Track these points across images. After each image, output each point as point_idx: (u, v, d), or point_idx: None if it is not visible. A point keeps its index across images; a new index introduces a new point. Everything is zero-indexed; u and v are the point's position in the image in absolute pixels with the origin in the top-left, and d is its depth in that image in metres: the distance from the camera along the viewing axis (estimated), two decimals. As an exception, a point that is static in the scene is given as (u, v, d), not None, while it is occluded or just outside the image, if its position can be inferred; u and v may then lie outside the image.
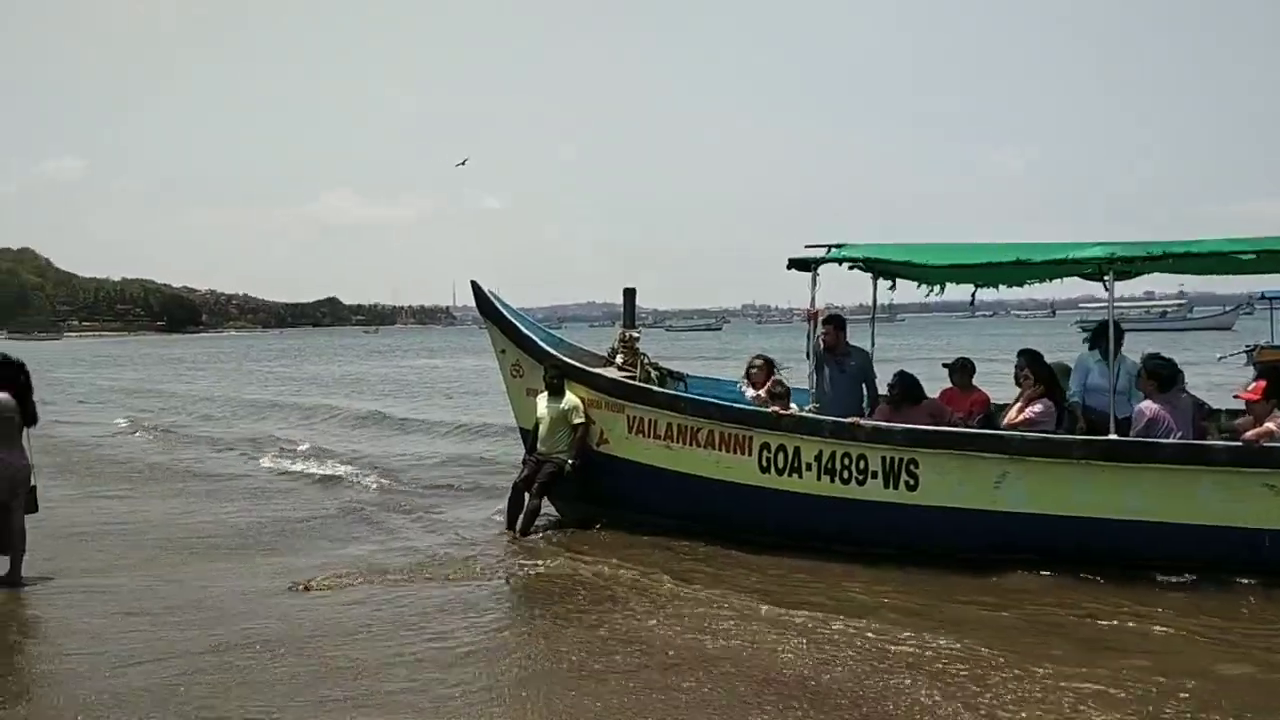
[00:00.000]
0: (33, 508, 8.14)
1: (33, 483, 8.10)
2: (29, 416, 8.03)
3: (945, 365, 9.62)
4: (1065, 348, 14.09)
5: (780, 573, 8.15)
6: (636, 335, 10.61)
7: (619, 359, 10.38)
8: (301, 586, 7.94)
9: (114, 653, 6.36)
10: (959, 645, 6.31)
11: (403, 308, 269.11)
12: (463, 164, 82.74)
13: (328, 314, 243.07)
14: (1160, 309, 75.19)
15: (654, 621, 6.94)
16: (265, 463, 15.61)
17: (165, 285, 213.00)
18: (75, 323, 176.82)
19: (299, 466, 15.02)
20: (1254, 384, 7.87)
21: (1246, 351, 28.47)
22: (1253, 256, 7.77)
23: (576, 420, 9.67)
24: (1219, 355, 30.01)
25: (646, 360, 10.42)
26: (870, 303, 10.34)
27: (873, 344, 9.90)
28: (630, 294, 11.06)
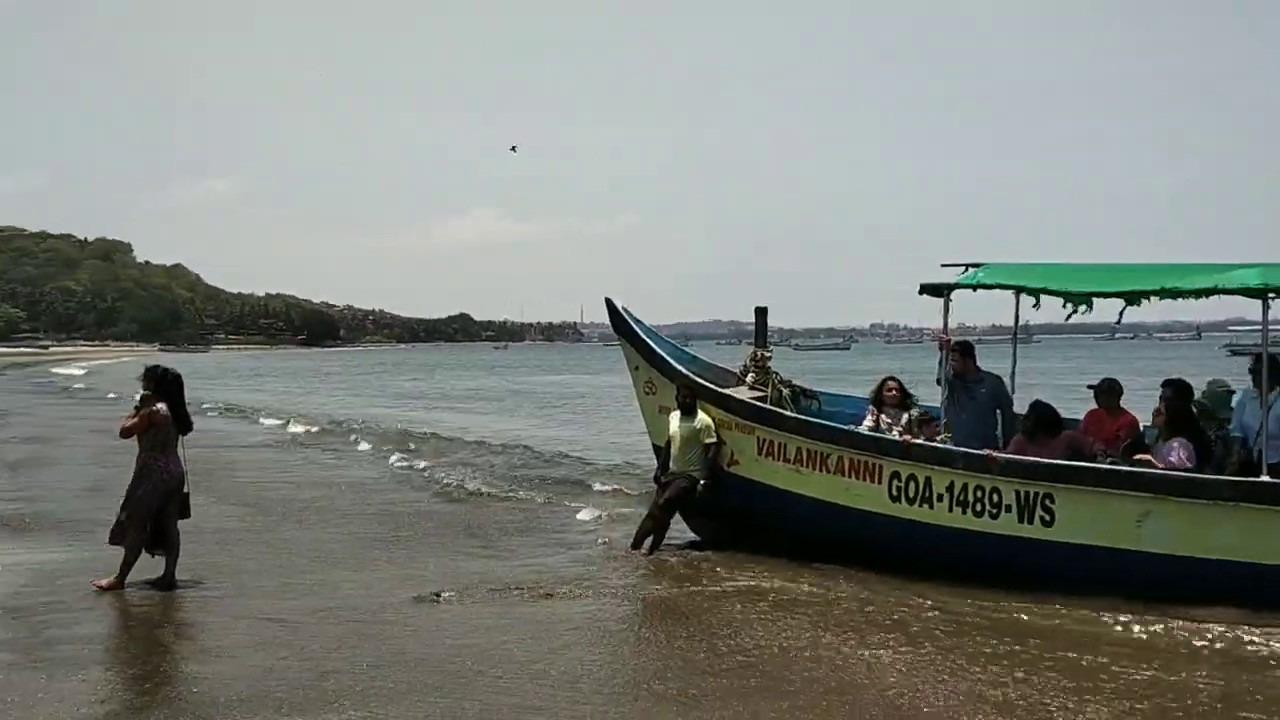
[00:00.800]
0: (185, 513, 8.54)
1: (186, 489, 8.50)
2: (183, 424, 8.45)
3: (1090, 387, 9.34)
4: (1210, 372, 13.50)
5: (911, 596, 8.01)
6: (768, 355, 10.61)
7: (750, 378, 10.38)
8: (430, 598, 8.12)
9: (254, 661, 6.58)
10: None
11: (530, 324, 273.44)
12: (514, 150, 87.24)
13: (459, 330, 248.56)
14: None
15: (788, 643, 6.92)
16: (392, 465, 16.09)
17: (305, 301, 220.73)
18: (222, 336, 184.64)
19: (424, 474, 15.47)
20: None
21: None
22: None
23: (708, 440, 9.69)
24: None
25: (778, 379, 10.41)
26: (1003, 323, 10.12)
27: (1014, 366, 9.68)
28: (762, 313, 11.06)
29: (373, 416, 29.51)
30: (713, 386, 10.03)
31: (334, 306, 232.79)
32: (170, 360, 9.48)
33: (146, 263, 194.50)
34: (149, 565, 8.30)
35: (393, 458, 17.71)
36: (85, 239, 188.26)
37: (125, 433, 8.33)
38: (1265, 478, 7.48)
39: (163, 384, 8.42)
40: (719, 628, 7.38)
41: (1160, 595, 7.48)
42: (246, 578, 8.81)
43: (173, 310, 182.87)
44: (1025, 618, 7.54)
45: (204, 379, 50.20)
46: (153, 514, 8.15)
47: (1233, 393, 8.69)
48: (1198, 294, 8.55)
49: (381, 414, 30.82)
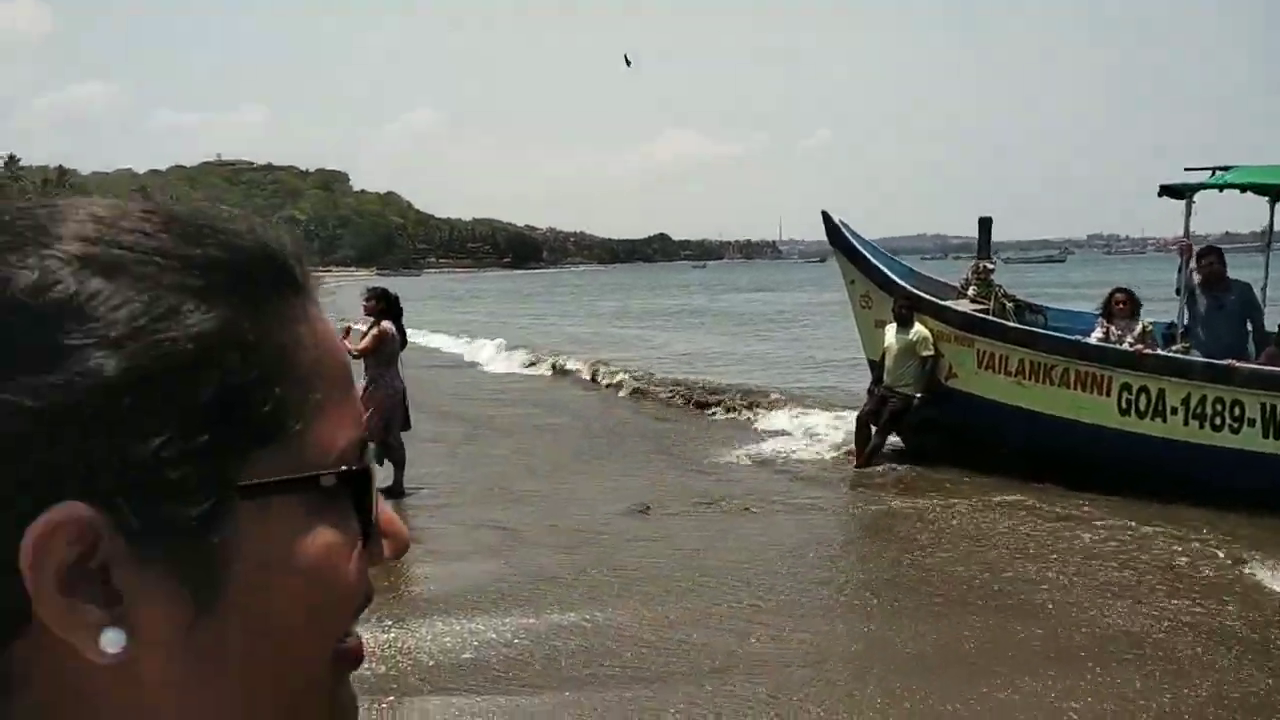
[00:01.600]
0: (407, 425, 8.99)
1: (407, 402, 8.97)
2: (403, 340, 8.91)
3: None
4: None
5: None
6: (991, 266, 10.27)
7: (972, 290, 10.09)
8: (640, 509, 8.29)
9: (483, 566, 6.89)
10: None
11: (729, 243, 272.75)
12: (629, 64, 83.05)
13: (657, 250, 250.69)
14: None
15: (1004, 565, 6.76)
16: (596, 382, 16.48)
17: (510, 224, 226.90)
18: (433, 260, 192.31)
19: (624, 391, 15.66)
20: None
21: None
22: None
23: (925, 352, 9.51)
24: None
25: (1001, 292, 10.07)
26: (1237, 230, 9.53)
27: (1266, 276, 9.03)
28: (985, 223, 10.65)
29: (574, 335, 30.17)
30: (931, 298, 9.82)
31: (537, 229, 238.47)
32: (387, 284, 9.91)
33: (362, 191, 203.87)
34: (380, 475, 8.76)
35: (594, 373, 17.89)
36: (307, 170, 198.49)
37: (359, 354, 8.81)
38: None
39: (390, 304, 8.88)
40: (929, 544, 7.23)
41: None
42: (467, 487, 9.23)
43: (387, 236, 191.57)
44: None
45: (414, 300, 52.30)
46: (381, 427, 8.64)
47: None
48: None
49: (582, 332, 31.45)
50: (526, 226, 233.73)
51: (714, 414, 13.45)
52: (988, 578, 6.43)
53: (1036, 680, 4.87)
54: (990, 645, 5.35)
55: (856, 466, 9.61)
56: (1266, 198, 8.98)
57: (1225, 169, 8.37)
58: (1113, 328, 8.88)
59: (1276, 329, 8.37)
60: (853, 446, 9.88)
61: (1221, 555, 6.70)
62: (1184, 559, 6.67)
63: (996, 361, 9.08)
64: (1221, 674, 4.93)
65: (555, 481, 9.53)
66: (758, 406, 13.39)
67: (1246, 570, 6.43)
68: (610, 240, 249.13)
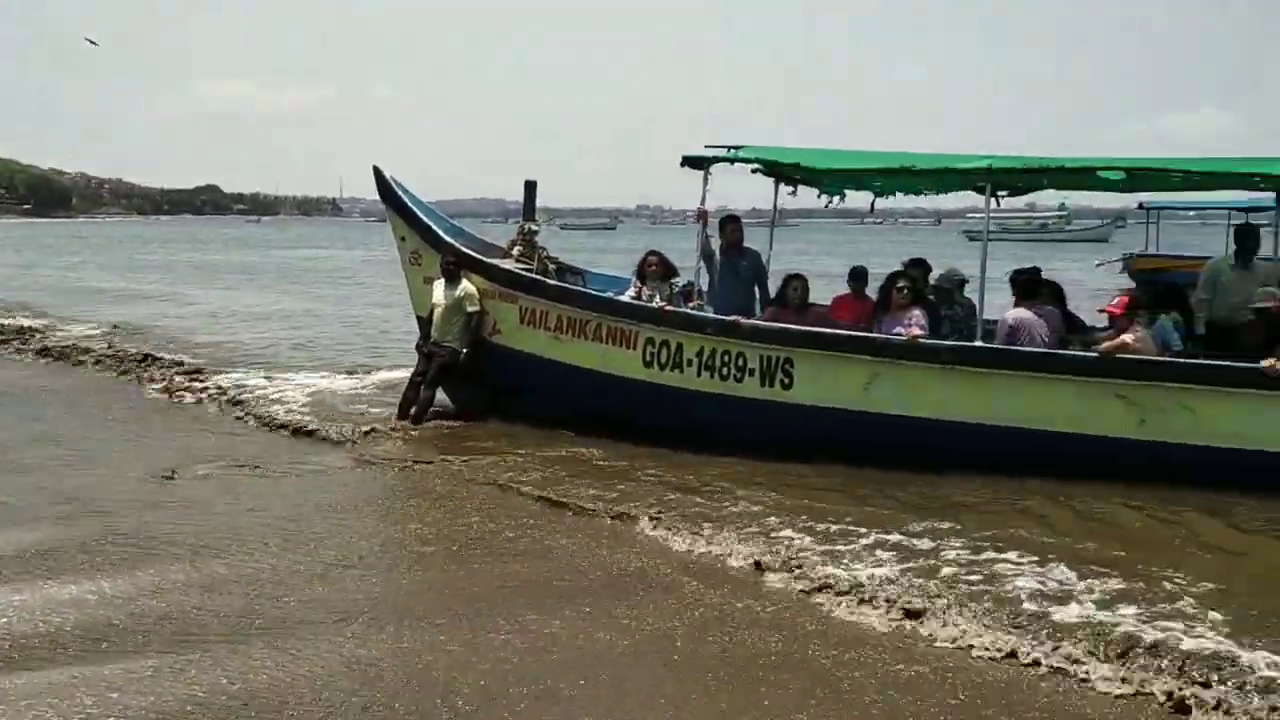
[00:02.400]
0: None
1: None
2: None
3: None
4: (952, 257, 14.54)
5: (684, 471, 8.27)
6: (536, 229, 10.66)
7: (517, 251, 10.44)
8: (165, 475, 7.89)
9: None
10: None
11: (286, 198, 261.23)
12: (93, 42, 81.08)
13: (208, 202, 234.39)
14: (1041, 221, 78.27)
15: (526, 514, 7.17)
16: (112, 346, 14.81)
17: (31, 166, 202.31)
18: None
19: (148, 356, 13.88)
20: (1118, 298, 8.37)
21: (1123, 259, 29.85)
22: (1122, 175, 8.18)
23: (470, 308, 9.73)
24: (1097, 263, 31.36)
25: (545, 254, 10.50)
26: (764, 206, 10.65)
27: (770, 247, 10.18)
28: (530, 186, 11.02)
29: (97, 289, 27.70)
30: (478, 256, 10.06)
31: (64, 174, 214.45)
32: None
33: None
34: None
35: (111, 339, 15.79)
36: None
37: None
38: (979, 342, 8.26)
39: None
40: (482, 506, 7.37)
41: (889, 452, 8.16)
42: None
43: None
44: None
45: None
46: None
47: (966, 281, 9.41)
48: (934, 180, 9.31)
49: (111, 287, 28.85)
50: (52, 169, 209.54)
51: (262, 369, 12.89)
52: (508, 525, 6.82)
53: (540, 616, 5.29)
54: (498, 587, 5.74)
55: (399, 422, 9.67)
56: (770, 178, 10.11)
57: (738, 147, 9.27)
58: (645, 288, 9.58)
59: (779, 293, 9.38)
60: (405, 401, 9.88)
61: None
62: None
63: (537, 318, 9.51)
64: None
65: (62, 447, 8.81)
66: (318, 363, 13.04)
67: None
68: (153, 190, 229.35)
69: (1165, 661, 4.77)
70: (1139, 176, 8.27)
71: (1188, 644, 4.92)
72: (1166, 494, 7.39)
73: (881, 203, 10.92)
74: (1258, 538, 6.79)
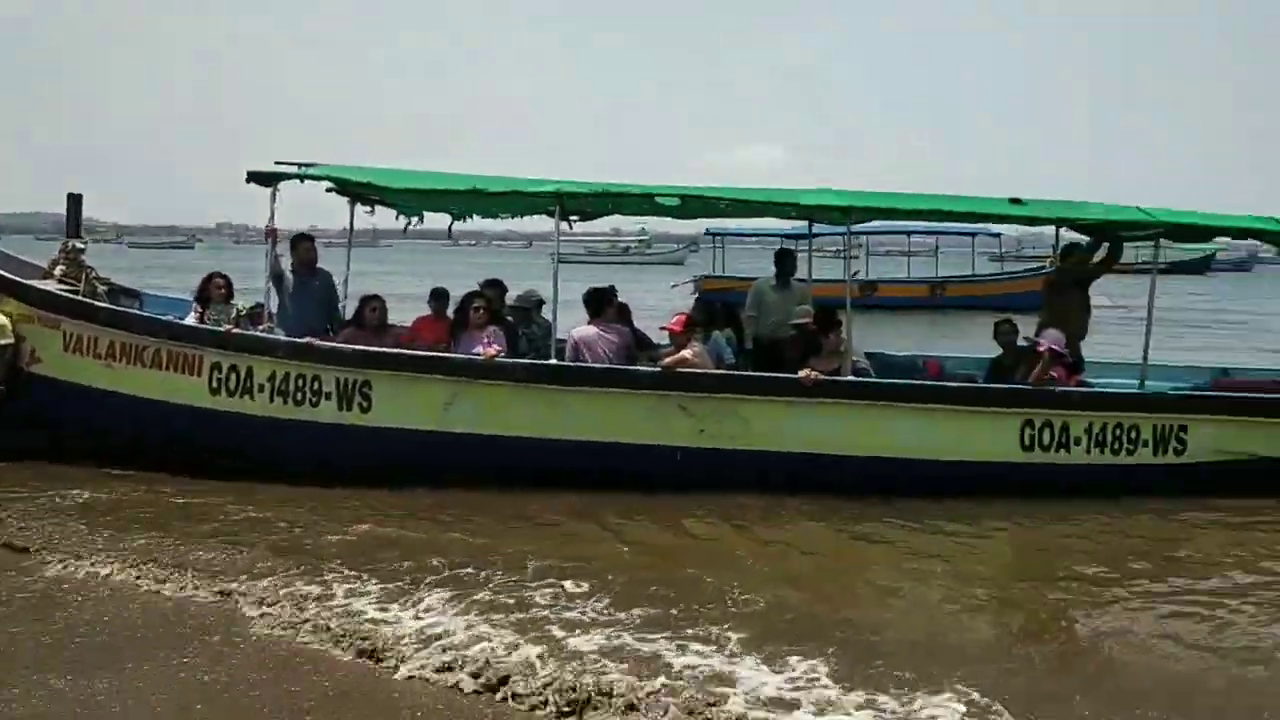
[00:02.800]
0: None
1: None
2: None
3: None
4: (542, 278, 14.88)
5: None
6: (81, 246, 9.71)
7: (60, 270, 9.46)
8: None
9: None
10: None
11: None
12: None
13: None
14: (624, 244, 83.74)
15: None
16: None
17: None
18: None
19: None
20: (677, 317, 8.93)
21: (694, 281, 33.04)
22: (677, 201, 8.73)
23: (3, 340, 8.65)
24: (672, 284, 33.84)
25: (93, 274, 9.58)
26: (357, 226, 10.38)
27: (348, 267, 9.89)
28: (74, 200, 10.06)
29: None
30: (10, 276, 8.99)
31: None
32: None
33: None
34: None
35: None
36: None
37: None
38: (553, 361, 8.49)
39: None
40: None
41: (468, 474, 8.14)
42: None
43: None
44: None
45: None
46: None
47: (544, 301, 9.63)
48: (508, 203, 9.46)
49: None
50: None
51: None
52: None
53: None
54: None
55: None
56: (346, 198, 9.86)
57: (311, 165, 8.96)
58: (209, 312, 9.01)
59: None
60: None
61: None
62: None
63: (85, 344, 8.66)
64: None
65: None
66: None
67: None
68: None
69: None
70: (692, 203, 8.88)
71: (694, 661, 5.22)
72: (730, 501, 7.97)
73: (475, 225, 10.99)
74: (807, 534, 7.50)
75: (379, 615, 5.64)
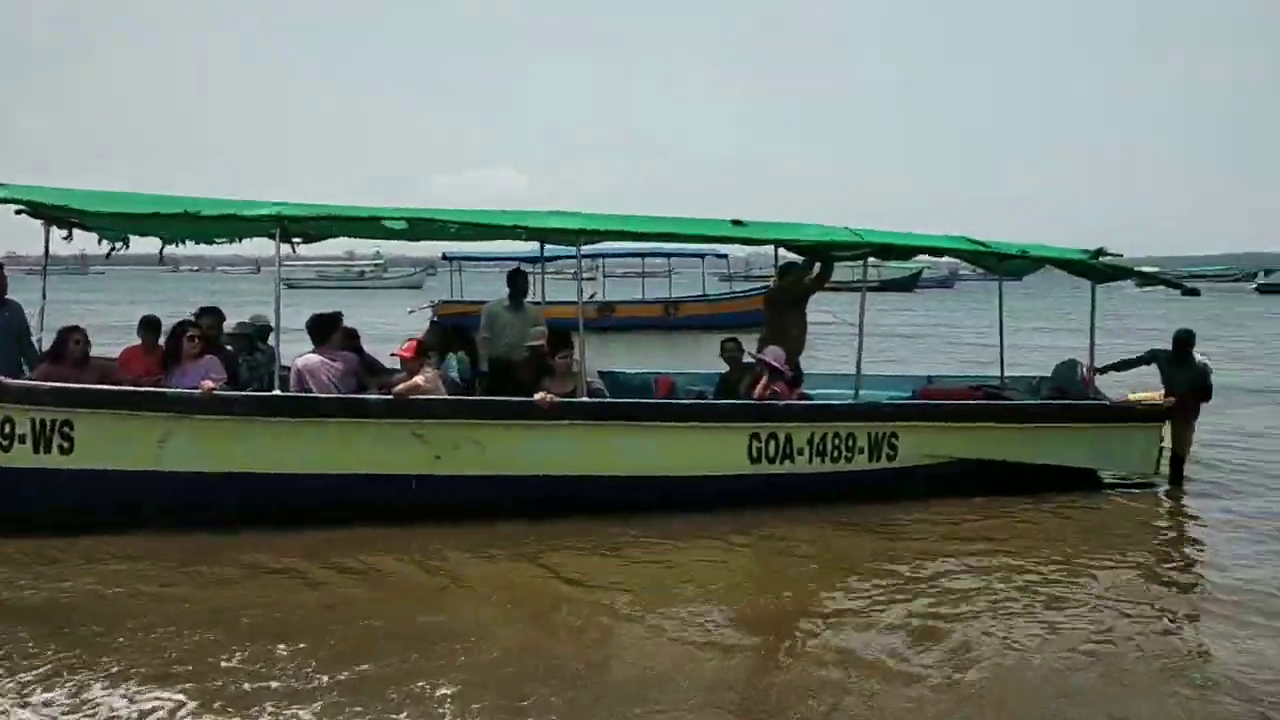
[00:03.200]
0: None
1: None
2: None
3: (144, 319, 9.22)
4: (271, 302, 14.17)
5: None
6: None
7: None
8: None
9: None
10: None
11: None
12: None
13: None
14: (359, 269, 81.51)
15: None
16: None
17: None
18: None
19: None
20: (408, 343, 8.73)
21: (432, 305, 32.49)
22: (404, 224, 8.51)
23: None
24: (409, 309, 33.10)
25: None
26: (63, 253, 9.53)
27: (44, 296, 9.07)
28: None
29: None
30: None
31: None
32: None
33: None
34: None
35: None
36: None
37: None
38: (277, 391, 8.12)
39: None
40: None
41: (188, 515, 7.71)
42: None
43: None
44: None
45: None
46: None
47: (270, 328, 9.16)
48: (222, 226, 8.93)
49: None
50: None
51: None
52: None
53: None
54: None
55: None
56: (40, 221, 9.05)
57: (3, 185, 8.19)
58: None
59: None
60: None
61: None
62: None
63: None
64: None
65: None
66: None
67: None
68: None
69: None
70: (420, 226, 8.70)
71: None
72: (476, 529, 7.85)
73: (197, 249, 10.33)
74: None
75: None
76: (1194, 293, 11.28)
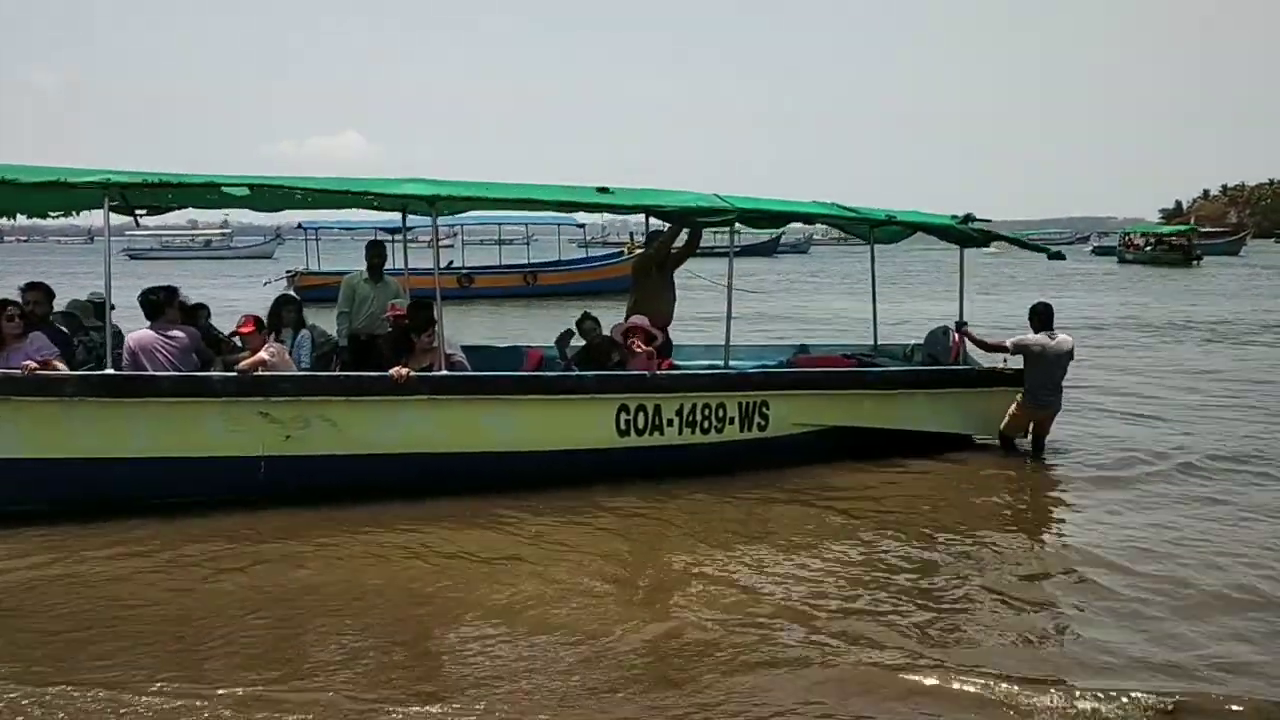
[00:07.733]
0: None
1: None
2: None
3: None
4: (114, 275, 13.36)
5: None
6: None
7: None
8: None
9: None
10: None
11: None
12: None
13: None
14: (205, 238, 78.19)
15: None
16: None
17: None
18: None
19: None
20: (246, 319, 8.24)
21: (288, 276, 30.62)
22: (246, 191, 7.93)
23: None
24: (264, 281, 31.70)
25: None
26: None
27: None
28: None
29: None
30: None
31: None
32: None
33: None
34: None
35: None
36: None
37: None
38: (110, 370, 7.54)
39: None
40: None
41: (10, 507, 7.14)
42: None
43: None
44: None
45: None
46: None
47: (113, 306, 8.55)
48: (47, 198, 8.25)
49: None
50: None
51: None
52: None
53: None
54: None
55: None
56: None
57: None
58: None
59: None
60: None
61: None
62: None
63: None
64: None
65: None
66: None
67: None
68: None
69: None
70: (265, 193, 8.14)
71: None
72: (341, 513, 7.47)
73: (28, 220, 9.54)
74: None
75: None
76: (1059, 256, 11.42)
